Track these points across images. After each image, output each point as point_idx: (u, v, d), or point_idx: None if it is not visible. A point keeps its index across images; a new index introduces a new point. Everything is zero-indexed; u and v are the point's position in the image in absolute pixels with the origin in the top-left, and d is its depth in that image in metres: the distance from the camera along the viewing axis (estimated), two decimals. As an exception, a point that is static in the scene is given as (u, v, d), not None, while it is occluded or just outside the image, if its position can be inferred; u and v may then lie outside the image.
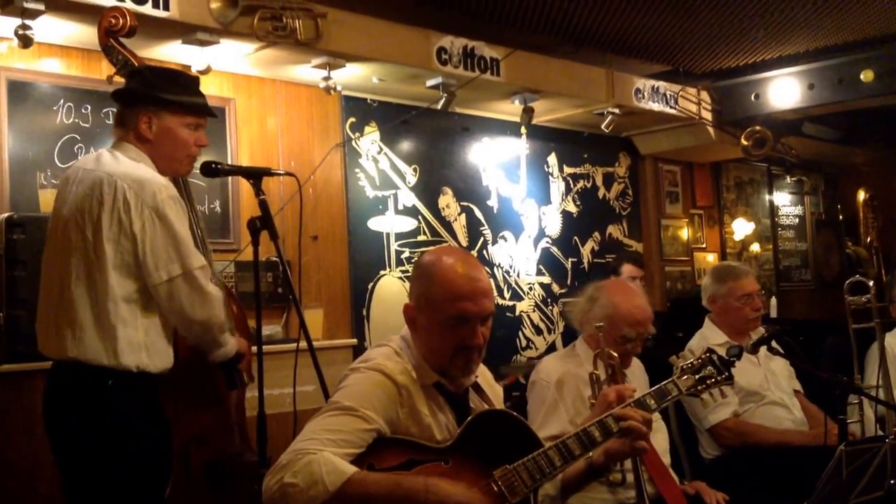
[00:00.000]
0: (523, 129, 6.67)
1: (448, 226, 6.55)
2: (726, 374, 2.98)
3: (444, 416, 2.46)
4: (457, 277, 2.43)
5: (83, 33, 4.43)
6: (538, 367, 3.57)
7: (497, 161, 6.96)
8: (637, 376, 3.58)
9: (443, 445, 2.38)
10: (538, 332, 7.10)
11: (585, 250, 7.62)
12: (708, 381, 2.95)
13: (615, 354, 3.11)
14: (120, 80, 3.52)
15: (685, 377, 2.94)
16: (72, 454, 3.01)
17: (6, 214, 4.19)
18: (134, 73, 3.42)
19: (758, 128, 7.15)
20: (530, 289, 7.11)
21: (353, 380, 2.40)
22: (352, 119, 5.97)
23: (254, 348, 3.33)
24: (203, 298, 3.07)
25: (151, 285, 3.01)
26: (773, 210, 9.82)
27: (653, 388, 2.90)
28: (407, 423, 2.38)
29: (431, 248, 5.60)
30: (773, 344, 3.50)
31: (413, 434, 2.38)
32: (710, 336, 4.28)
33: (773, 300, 8.39)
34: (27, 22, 4.02)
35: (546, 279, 7.25)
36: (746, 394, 4.08)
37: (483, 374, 2.67)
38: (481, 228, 6.78)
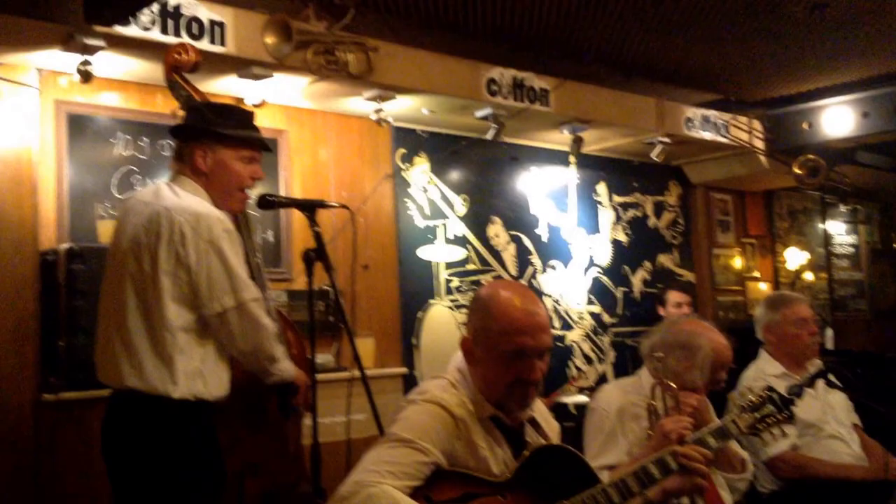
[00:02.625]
0: (572, 159, 6.69)
1: (497, 255, 6.53)
2: (786, 412, 2.96)
3: (501, 450, 2.44)
4: (515, 311, 2.42)
5: (141, 68, 4.52)
6: (598, 394, 3.55)
7: (546, 190, 6.95)
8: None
9: (500, 479, 2.37)
10: (588, 361, 7.06)
11: (636, 279, 7.57)
12: (768, 420, 2.94)
13: (674, 385, 3.08)
14: (182, 115, 3.61)
15: (745, 415, 2.92)
16: (128, 482, 3.06)
17: (66, 245, 4.26)
18: (191, 108, 3.50)
19: (811, 156, 7.06)
20: (580, 318, 7.09)
21: (410, 411, 2.40)
22: (402, 150, 6.04)
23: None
24: (255, 330, 3.11)
25: (206, 316, 3.06)
26: (826, 239, 9.70)
27: (713, 426, 2.88)
28: (464, 455, 2.36)
29: (490, 280, 5.74)
30: (831, 377, 3.46)
31: (470, 467, 2.37)
32: (766, 367, 4.24)
33: (829, 332, 8.25)
34: (88, 58, 4.10)
35: (596, 308, 7.22)
36: (804, 426, 4.03)
37: (539, 409, 2.66)
38: (530, 257, 6.76)
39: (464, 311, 5.97)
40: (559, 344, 6.80)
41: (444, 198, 6.27)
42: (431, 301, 6.10)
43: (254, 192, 3.46)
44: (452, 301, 6.17)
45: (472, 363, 2.50)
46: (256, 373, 3.23)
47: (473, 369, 2.49)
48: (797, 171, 7.08)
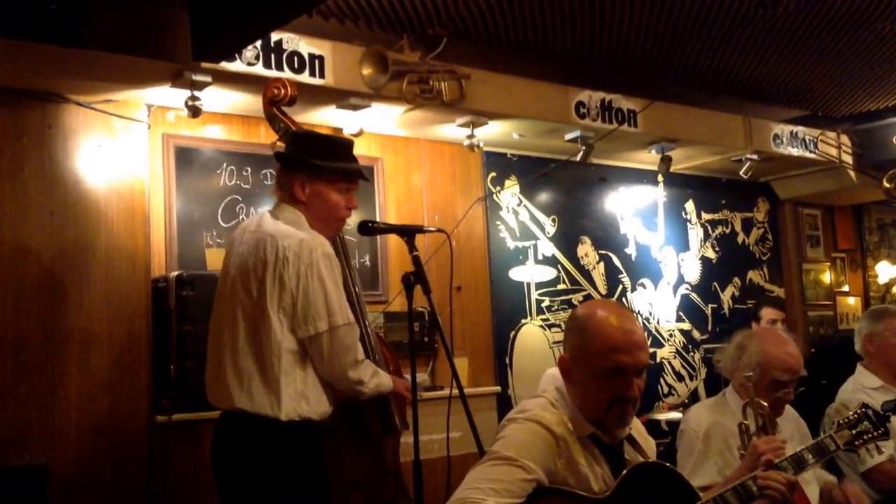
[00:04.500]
0: (660, 178, 6.84)
1: (587, 274, 6.57)
2: (882, 429, 2.94)
3: (600, 468, 2.45)
4: (612, 330, 2.43)
5: (244, 101, 4.69)
6: (687, 415, 3.56)
7: (634, 209, 6.98)
8: (790, 423, 3.52)
9: (600, 497, 2.38)
10: (679, 378, 7.06)
11: (725, 296, 7.54)
12: (864, 437, 2.93)
13: (765, 404, 3.05)
14: (281, 145, 3.69)
15: (842, 432, 2.92)
16: (238, 501, 3.16)
17: (176, 273, 4.42)
18: (293, 139, 3.58)
19: (900, 170, 6.95)
20: (670, 335, 7.08)
21: (511, 430, 2.41)
22: (493, 173, 6.12)
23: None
24: (344, 354, 3.16)
25: (300, 338, 3.13)
26: (917, 252, 9.50)
27: (810, 443, 2.86)
28: (564, 473, 2.38)
29: (581, 300, 5.75)
30: (930, 389, 3.42)
31: (570, 485, 2.37)
32: (863, 381, 4.18)
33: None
34: (195, 93, 4.27)
35: (686, 325, 7.20)
36: (902, 438, 3.96)
37: (636, 427, 2.65)
38: (620, 276, 6.78)
39: (555, 330, 6.11)
40: (650, 361, 6.73)
41: (534, 219, 6.33)
42: (523, 321, 6.16)
43: (353, 219, 3.58)
44: (543, 320, 6.24)
45: (570, 382, 2.52)
46: (347, 392, 3.28)
47: (572, 388, 2.51)
48: (887, 184, 6.96)
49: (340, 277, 3.24)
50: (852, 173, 7.35)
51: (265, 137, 4.79)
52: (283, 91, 3.88)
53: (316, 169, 3.31)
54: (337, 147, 3.46)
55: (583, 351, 2.47)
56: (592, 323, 2.48)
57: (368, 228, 3.43)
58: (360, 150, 5.11)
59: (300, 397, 3.12)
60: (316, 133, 3.93)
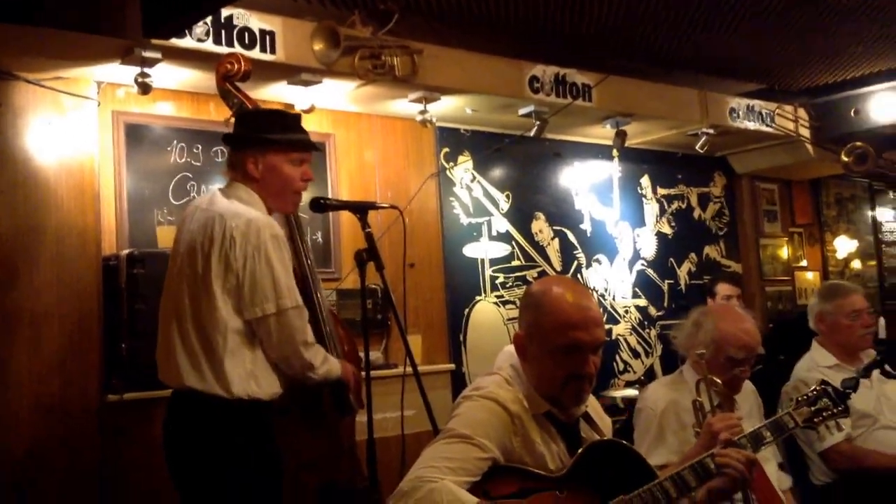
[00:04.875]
0: (615, 153, 6.69)
1: (542, 250, 6.54)
2: (842, 406, 2.95)
3: (556, 446, 2.45)
4: (567, 307, 2.42)
5: (194, 77, 4.62)
6: (644, 393, 3.57)
7: (589, 184, 6.94)
8: (749, 400, 3.52)
9: (556, 475, 2.38)
10: (635, 355, 7.04)
11: (682, 272, 7.52)
12: (824, 414, 2.93)
13: (719, 381, 3.06)
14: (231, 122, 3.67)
15: (801, 409, 2.91)
16: (189, 481, 3.15)
17: (127, 251, 4.36)
18: (239, 118, 3.56)
19: (858, 144, 6.96)
20: (626, 312, 7.05)
21: (466, 407, 2.41)
22: (446, 149, 6.07)
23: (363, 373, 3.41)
24: (291, 337, 3.14)
25: (246, 319, 3.12)
26: (875, 226, 9.56)
27: (768, 420, 2.87)
28: (520, 451, 2.37)
29: (541, 277, 5.71)
30: (887, 367, 3.45)
31: (526, 463, 2.37)
32: (818, 359, 4.17)
33: (882, 321, 8.08)
34: (146, 70, 4.19)
35: (642, 302, 7.18)
36: (859, 417, 3.95)
37: (592, 405, 2.65)
38: (575, 252, 6.76)
39: (510, 307, 6.11)
40: (606, 338, 6.73)
41: (488, 195, 6.29)
42: (477, 298, 6.13)
43: (305, 196, 3.50)
44: (498, 297, 6.23)
45: (525, 359, 2.50)
46: (296, 377, 3.26)
47: (527, 365, 2.49)
48: (845, 158, 6.98)
49: (290, 259, 3.23)
50: (810, 147, 7.35)
51: (216, 114, 4.78)
52: (236, 66, 3.84)
53: (267, 143, 3.29)
54: (286, 120, 3.45)
55: (538, 328, 2.46)
56: (547, 299, 2.46)
57: (321, 205, 3.41)
58: (312, 126, 5.06)
59: (249, 377, 3.11)
60: (262, 109, 3.88)
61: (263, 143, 3.29)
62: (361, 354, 3.47)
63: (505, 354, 3.38)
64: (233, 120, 3.70)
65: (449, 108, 5.63)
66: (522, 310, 2.57)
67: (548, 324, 2.42)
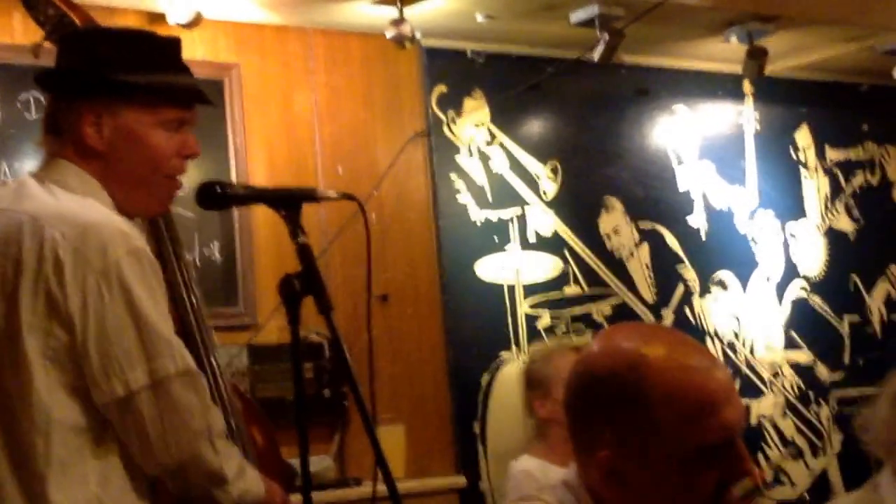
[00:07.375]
0: (748, 87, 5.46)
1: (618, 266, 5.06)
2: None
3: None
4: (696, 375, 1.60)
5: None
6: None
7: (702, 146, 5.43)
8: None
9: None
10: (797, 454, 5.46)
11: (875, 301, 5.84)
12: None
13: None
14: (51, 47, 2.78)
15: None
16: None
17: None
18: (65, 42, 2.63)
19: None
20: (776, 376, 5.50)
21: None
22: (441, 88, 4.82)
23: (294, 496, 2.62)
24: (184, 427, 2.26)
25: (100, 403, 2.21)
26: None
27: None
28: None
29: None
30: None
31: None
32: None
33: None
34: None
35: (804, 356, 5.56)
36: None
37: None
38: (678, 267, 5.20)
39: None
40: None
41: (519, 168, 4.94)
42: (504, 354, 4.78)
43: (188, 182, 2.55)
44: (542, 356, 4.86)
45: (620, 491, 1.68)
46: (194, 501, 2.37)
47: (620, 498, 1.68)
48: None
49: (163, 291, 2.34)
50: None
51: (24, 36, 4.00)
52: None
53: (119, 89, 2.37)
54: (152, 48, 2.53)
55: (648, 429, 1.62)
56: (651, 374, 1.63)
57: (216, 196, 2.34)
58: (198, 53, 4.45)
59: None
60: (111, 29, 2.95)
61: (111, 90, 2.39)
62: (292, 462, 2.73)
63: (520, 475, 3.18)
64: (48, 45, 2.94)
65: (442, 12, 4.57)
66: (592, 407, 1.69)
67: (668, 417, 1.58)
